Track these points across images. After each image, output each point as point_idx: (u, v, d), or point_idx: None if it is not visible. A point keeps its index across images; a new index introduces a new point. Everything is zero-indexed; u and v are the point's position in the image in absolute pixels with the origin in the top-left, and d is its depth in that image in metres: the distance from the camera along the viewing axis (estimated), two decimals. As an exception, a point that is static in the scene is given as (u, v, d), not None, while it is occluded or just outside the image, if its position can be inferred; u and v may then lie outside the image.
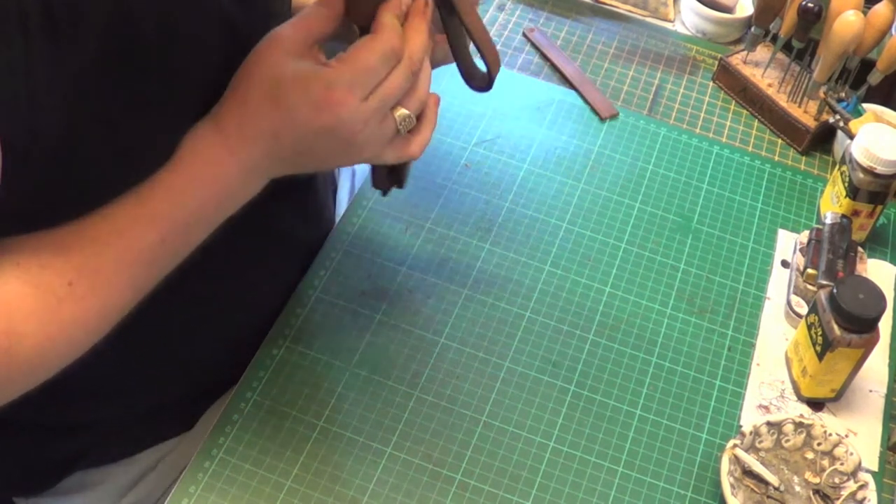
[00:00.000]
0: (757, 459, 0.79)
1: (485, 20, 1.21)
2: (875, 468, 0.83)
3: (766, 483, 0.79)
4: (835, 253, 0.91)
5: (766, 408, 0.86)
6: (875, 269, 0.97)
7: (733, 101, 1.16)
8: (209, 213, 0.66)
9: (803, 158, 1.11)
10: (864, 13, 1.00)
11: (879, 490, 0.81)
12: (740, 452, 0.79)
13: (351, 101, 0.63)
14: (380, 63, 0.63)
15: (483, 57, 0.69)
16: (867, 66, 1.06)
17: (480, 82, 0.71)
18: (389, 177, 0.75)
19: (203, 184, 0.65)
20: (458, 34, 0.69)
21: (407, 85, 0.65)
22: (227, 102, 0.66)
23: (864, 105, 1.09)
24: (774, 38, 1.12)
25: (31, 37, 0.54)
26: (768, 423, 0.81)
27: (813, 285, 0.92)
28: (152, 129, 0.63)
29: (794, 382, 0.88)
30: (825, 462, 0.80)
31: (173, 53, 0.62)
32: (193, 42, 0.63)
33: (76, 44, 0.55)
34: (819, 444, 0.81)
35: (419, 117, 0.69)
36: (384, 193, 0.78)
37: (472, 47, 0.70)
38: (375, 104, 0.64)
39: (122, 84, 0.59)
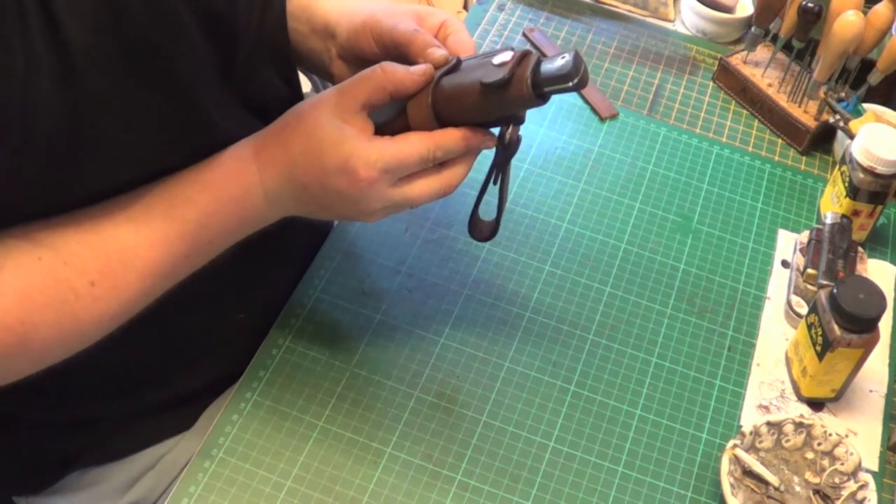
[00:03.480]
0: (757, 459, 0.79)
1: (485, 20, 1.21)
2: (875, 468, 0.83)
3: (766, 483, 0.79)
4: (835, 253, 0.91)
5: (766, 408, 0.86)
6: (875, 269, 0.97)
7: (733, 101, 1.16)
8: (232, 234, 0.70)
9: (803, 158, 1.11)
10: (864, 13, 1.00)
11: (879, 490, 0.81)
12: (740, 452, 0.79)
13: (382, 184, 0.68)
14: (418, 164, 0.68)
15: (499, 211, 0.77)
16: (867, 66, 1.06)
17: (486, 232, 0.79)
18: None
19: (231, 210, 0.68)
20: (485, 190, 0.77)
21: (435, 199, 0.72)
22: (269, 140, 0.69)
23: (864, 105, 1.09)
24: (774, 38, 1.12)
25: (31, 32, 0.54)
26: (768, 423, 0.81)
27: (813, 285, 0.92)
28: (151, 118, 0.63)
29: (794, 382, 0.88)
30: (825, 462, 0.80)
31: (163, 41, 0.62)
32: (182, 31, 0.64)
33: (75, 37, 0.56)
34: (819, 444, 0.81)
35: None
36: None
37: None
38: (399, 199, 0.70)
39: (116, 70, 0.60)
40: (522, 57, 0.67)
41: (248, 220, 0.70)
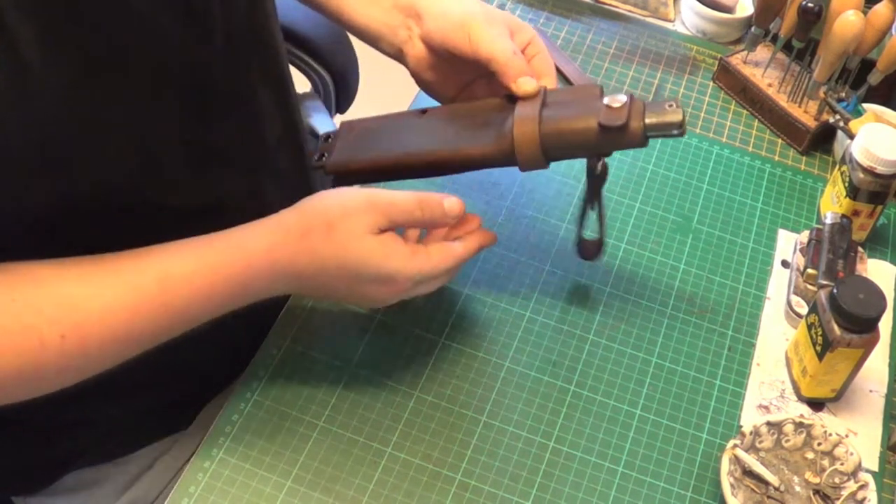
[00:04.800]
0: (757, 459, 0.79)
1: (485, 20, 1.21)
2: (875, 468, 0.83)
3: (766, 483, 0.79)
4: (835, 253, 0.91)
5: (766, 408, 0.86)
6: (875, 269, 0.97)
7: (733, 101, 1.16)
8: (227, 309, 0.70)
9: (803, 158, 1.11)
10: (864, 13, 1.00)
11: (879, 490, 0.81)
12: (740, 452, 0.79)
13: (408, 287, 0.73)
14: (442, 274, 0.74)
15: (601, 231, 0.85)
16: (867, 66, 1.06)
17: (592, 250, 0.88)
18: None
19: (229, 296, 0.68)
20: (585, 216, 0.84)
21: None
22: (291, 244, 0.69)
23: (864, 105, 1.09)
24: (774, 38, 1.12)
25: None
26: (768, 423, 0.81)
27: (813, 285, 0.92)
28: (123, 119, 0.62)
29: (794, 382, 0.88)
30: (825, 462, 0.80)
31: (125, 33, 0.60)
32: (145, 21, 0.62)
33: (26, 44, 0.54)
34: (819, 445, 0.81)
35: None
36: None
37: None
38: (415, 292, 0.75)
39: (74, 71, 0.58)
40: (631, 101, 0.74)
41: (249, 300, 0.71)
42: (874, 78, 1.06)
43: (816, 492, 0.79)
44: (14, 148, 0.56)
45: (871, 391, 0.88)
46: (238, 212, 0.71)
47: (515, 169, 1.02)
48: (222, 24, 0.69)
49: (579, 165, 1.04)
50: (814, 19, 1.03)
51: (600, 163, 0.78)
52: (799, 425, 0.81)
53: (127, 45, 0.61)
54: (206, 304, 0.68)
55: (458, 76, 0.82)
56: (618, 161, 1.05)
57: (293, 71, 0.88)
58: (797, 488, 0.79)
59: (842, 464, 0.80)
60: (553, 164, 1.03)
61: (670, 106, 0.73)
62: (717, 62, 1.17)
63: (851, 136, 1.01)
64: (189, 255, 0.66)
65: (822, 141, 1.11)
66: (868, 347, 0.82)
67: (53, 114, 0.57)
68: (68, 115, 0.58)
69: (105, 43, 0.59)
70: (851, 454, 0.79)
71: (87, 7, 0.57)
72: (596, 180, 0.80)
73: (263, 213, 0.71)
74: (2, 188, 0.58)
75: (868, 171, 0.94)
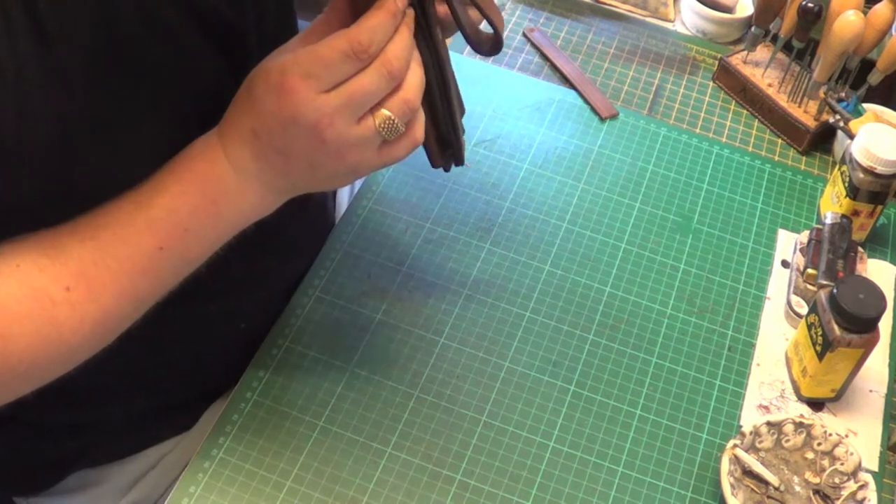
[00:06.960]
0: (757, 459, 0.79)
1: (485, 20, 1.21)
2: (875, 468, 0.83)
3: (766, 483, 0.79)
4: (835, 253, 0.92)
5: (766, 408, 0.86)
6: (875, 269, 0.97)
7: (733, 101, 1.16)
8: (206, 218, 0.65)
9: (803, 158, 1.11)
10: (864, 13, 1.00)
11: (879, 490, 0.81)
12: (740, 452, 0.79)
13: (304, 89, 0.60)
14: (339, 58, 0.60)
15: (488, 20, 0.66)
16: (867, 66, 1.06)
17: (487, 45, 0.68)
18: (444, 155, 0.72)
19: (198, 187, 0.64)
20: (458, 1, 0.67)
21: (382, 86, 0.62)
22: (228, 108, 0.65)
23: (864, 105, 1.09)
24: (774, 38, 1.12)
25: (17, 38, 0.53)
26: (768, 423, 0.81)
27: (813, 285, 0.92)
28: (145, 129, 0.63)
29: (794, 382, 0.88)
30: (825, 462, 0.80)
31: (160, 52, 0.61)
32: (182, 40, 0.63)
33: (64, 44, 0.55)
34: (819, 444, 0.81)
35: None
36: (446, 170, 0.75)
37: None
38: (339, 100, 0.61)
39: (111, 84, 0.59)
40: None
41: (217, 195, 0.64)
42: (874, 78, 1.06)
43: (816, 492, 0.79)
44: (34, 143, 0.57)
45: (871, 391, 0.88)
46: (253, 224, 0.70)
47: (515, 169, 1.03)
48: (257, 48, 0.69)
49: (579, 166, 1.04)
50: (814, 19, 1.03)
51: None
52: (799, 425, 0.81)
53: (158, 60, 0.61)
54: (186, 203, 0.63)
55: None
56: (618, 161, 1.05)
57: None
58: (797, 488, 0.79)
59: (842, 464, 0.80)
60: (554, 164, 1.04)
61: None
62: (717, 62, 1.17)
63: (851, 136, 1.01)
64: (155, 175, 0.64)
65: (822, 141, 1.11)
66: (868, 347, 0.82)
67: (74, 116, 0.58)
68: (90, 119, 0.59)
69: (136, 56, 0.60)
70: (851, 454, 0.79)
71: (124, 20, 0.58)
72: None
73: (279, 224, 0.70)
74: (18, 180, 0.58)
75: (868, 171, 0.94)
